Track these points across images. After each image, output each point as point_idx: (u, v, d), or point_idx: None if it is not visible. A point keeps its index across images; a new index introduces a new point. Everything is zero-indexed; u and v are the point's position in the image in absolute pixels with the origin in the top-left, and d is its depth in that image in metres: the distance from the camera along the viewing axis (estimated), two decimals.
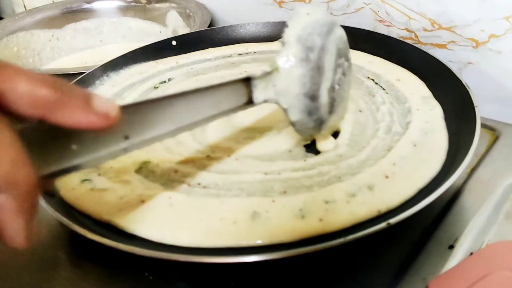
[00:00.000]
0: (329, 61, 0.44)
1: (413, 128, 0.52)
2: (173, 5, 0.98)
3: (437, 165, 0.46)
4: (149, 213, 0.43)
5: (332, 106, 0.46)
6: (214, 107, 0.39)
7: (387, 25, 0.73)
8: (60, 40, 1.00)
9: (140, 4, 1.01)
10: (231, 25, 0.79)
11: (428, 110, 0.55)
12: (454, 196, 0.48)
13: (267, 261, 0.36)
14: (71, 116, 0.26)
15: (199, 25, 0.85)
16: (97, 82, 0.67)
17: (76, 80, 0.64)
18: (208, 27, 0.85)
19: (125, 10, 1.02)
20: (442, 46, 0.68)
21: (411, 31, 0.70)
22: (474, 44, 0.64)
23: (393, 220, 0.37)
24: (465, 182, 0.50)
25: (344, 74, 0.48)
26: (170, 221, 0.42)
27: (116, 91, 0.67)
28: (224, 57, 0.74)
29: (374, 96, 0.60)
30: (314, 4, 0.80)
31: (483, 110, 0.50)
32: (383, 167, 0.46)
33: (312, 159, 0.49)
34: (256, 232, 0.40)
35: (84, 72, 0.66)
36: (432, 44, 0.69)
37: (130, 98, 0.65)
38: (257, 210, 0.42)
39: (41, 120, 0.26)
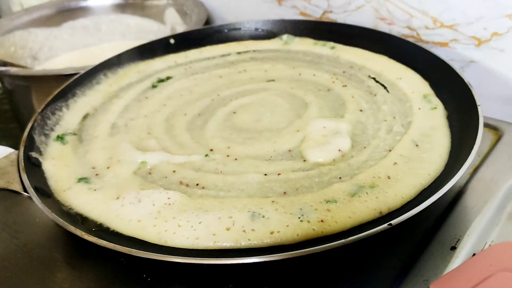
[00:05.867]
0: None
1: (415, 127, 0.51)
2: (170, 2, 0.97)
3: (439, 165, 0.46)
4: (146, 214, 0.43)
5: None
6: None
7: (389, 23, 0.72)
8: (57, 38, 0.99)
9: (138, 1, 1.00)
10: (229, 23, 0.78)
11: (430, 109, 0.54)
12: (456, 196, 0.48)
13: (266, 262, 0.35)
14: None
15: (195, 22, 0.84)
16: (94, 81, 0.67)
17: (73, 80, 0.64)
18: (206, 24, 0.84)
19: (123, 8, 1.01)
20: (444, 44, 0.67)
21: (413, 29, 0.70)
22: (477, 42, 0.64)
23: (394, 221, 0.37)
24: (468, 182, 0.50)
25: None
26: (168, 222, 0.41)
27: (113, 90, 0.66)
28: (223, 55, 0.74)
29: (375, 95, 0.59)
30: (314, 1, 0.79)
31: (486, 109, 0.50)
32: (384, 168, 0.45)
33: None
34: (256, 233, 0.39)
35: (80, 73, 0.65)
36: (434, 42, 0.68)
37: (128, 97, 0.64)
38: (257, 211, 0.41)
39: None
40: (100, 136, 0.56)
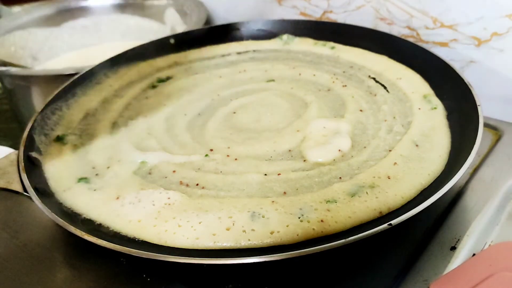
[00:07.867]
0: None
1: (415, 127, 0.51)
2: (170, 2, 0.97)
3: (439, 165, 0.45)
4: (146, 214, 0.43)
5: None
6: None
7: (388, 23, 0.72)
8: (58, 38, 0.99)
9: (138, 1, 1.00)
10: (229, 23, 0.78)
11: (430, 109, 0.54)
12: (456, 196, 0.48)
13: (266, 262, 0.35)
14: None
15: (195, 22, 0.84)
16: (94, 81, 0.67)
17: (73, 80, 0.64)
18: (206, 24, 0.84)
19: (123, 8, 1.02)
20: (444, 44, 0.67)
21: (413, 29, 0.70)
22: (477, 42, 0.64)
23: (394, 221, 0.37)
24: (468, 182, 0.50)
25: None
26: (168, 222, 0.41)
27: (113, 90, 0.66)
28: (223, 55, 0.74)
29: (375, 95, 0.59)
30: (314, 1, 0.79)
31: (486, 109, 0.50)
32: (384, 168, 0.45)
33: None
34: (256, 233, 0.39)
35: (80, 73, 0.65)
36: (434, 42, 0.68)
37: (128, 97, 0.64)
38: (257, 211, 0.41)
39: None
40: (100, 136, 0.56)
